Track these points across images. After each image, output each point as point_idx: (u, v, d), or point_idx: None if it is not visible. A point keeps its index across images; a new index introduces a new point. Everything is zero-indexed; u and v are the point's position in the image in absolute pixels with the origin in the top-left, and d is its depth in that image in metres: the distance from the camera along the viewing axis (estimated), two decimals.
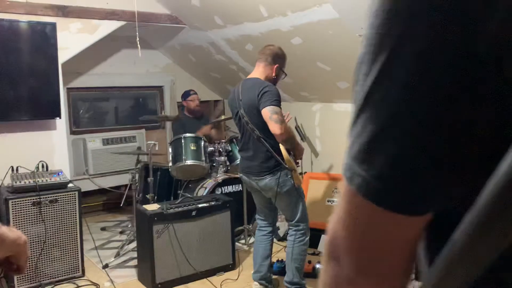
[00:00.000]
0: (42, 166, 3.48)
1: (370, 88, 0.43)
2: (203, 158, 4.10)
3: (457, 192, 0.42)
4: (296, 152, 2.88)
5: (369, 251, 0.48)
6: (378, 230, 0.47)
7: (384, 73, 0.42)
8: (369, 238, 0.48)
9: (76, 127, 5.22)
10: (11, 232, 0.95)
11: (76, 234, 3.35)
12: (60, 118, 3.74)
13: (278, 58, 2.92)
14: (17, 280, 3.10)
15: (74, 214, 3.34)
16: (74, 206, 3.34)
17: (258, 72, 2.92)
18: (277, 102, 2.73)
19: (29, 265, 3.13)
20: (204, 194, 3.93)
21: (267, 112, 2.69)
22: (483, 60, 0.37)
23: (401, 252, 0.48)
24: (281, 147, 2.76)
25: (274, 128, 2.68)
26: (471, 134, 0.40)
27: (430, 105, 0.40)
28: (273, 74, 2.90)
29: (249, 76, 2.97)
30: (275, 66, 2.90)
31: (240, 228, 4.07)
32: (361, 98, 0.44)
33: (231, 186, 4.17)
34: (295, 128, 4.61)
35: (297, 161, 2.96)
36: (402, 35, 0.40)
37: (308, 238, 2.99)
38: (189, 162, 3.99)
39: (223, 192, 4.07)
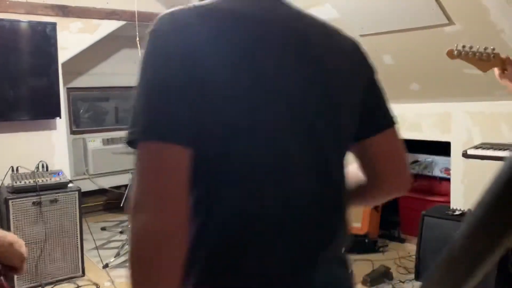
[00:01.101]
0: (42, 166, 3.49)
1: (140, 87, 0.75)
2: None
3: (194, 132, 0.72)
4: None
5: (160, 182, 0.70)
6: (161, 161, 0.70)
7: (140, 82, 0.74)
8: (158, 171, 0.70)
9: (76, 127, 5.22)
10: None
11: (76, 234, 3.35)
12: (60, 118, 3.74)
13: None
14: (17, 280, 3.10)
15: (74, 214, 3.34)
16: (74, 206, 3.34)
17: None
18: None
19: (29, 265, 3.14)
20: None
21: None
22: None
23: (183, 178, 0.71)
24: None
25: None
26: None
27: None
28: None
29: None
30: None
31: None
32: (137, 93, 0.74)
33: None
34: None
35: None
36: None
37: None
38: None
39: None
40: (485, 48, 1.64)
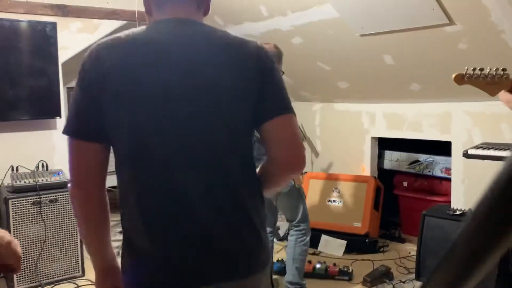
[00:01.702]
0: (42, 166, 3.48)
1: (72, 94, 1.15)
2: None
3: (103, 131, 1.11)
4: None
5: (76, 165, 1.14)
6: (76, 152, 1.13)
7: (73, 92, 1.14)
8: (74, 158, 1.13)
9: None
10: None
11: (76, 234, 3.34)
12: (60, 117, 3.74)
13: (272, 57, 2.91)
14: (17, 279, 3.10)
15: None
16: None
17: None
18: None
19: (29, 265, 3.14)
20: None
21: None
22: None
23: (91, 164, 1.13)
24: None
25: None
26: (93, 111, 1.11)
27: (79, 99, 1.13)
28: None
29: None
30: None
31: None
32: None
33: None
34: None
35: None
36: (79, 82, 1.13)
37: (309, 238, 2.99)
38: None
39: None
40: (496, 69, 1.45)
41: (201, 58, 1.11)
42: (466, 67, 1.47)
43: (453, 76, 1.48)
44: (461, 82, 1.49)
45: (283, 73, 3.02)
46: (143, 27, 1.16)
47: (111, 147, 1.15)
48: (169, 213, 1.08)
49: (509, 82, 1.48)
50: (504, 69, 1.46)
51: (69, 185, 1.17)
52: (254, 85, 1.13)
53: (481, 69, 1.46)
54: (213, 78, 1.10)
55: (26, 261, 3.15)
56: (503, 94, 1.53)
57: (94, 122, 1.09)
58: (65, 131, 1.13)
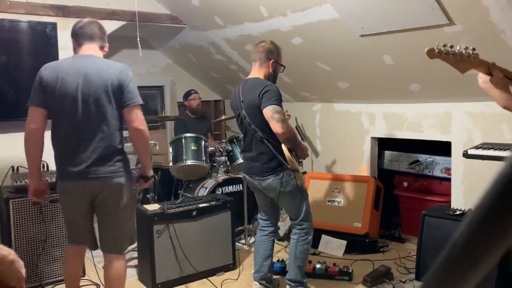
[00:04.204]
0: (43, 166, 3.47)
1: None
2: (204, 158, 4.09)
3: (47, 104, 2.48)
4: (298, 151, 2.88)
5: (29, 119, 2.45)
6: (29, 112, 2.45)
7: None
8: (28, 116, 2.45)
9: None
10: None
11: None
12: None
13: (271, 53, 2.91)
14: None
15: None
16: None
17: (256, 71, 2.92)
18: (278, 101, 2.73)
19: (29, 265, 3.14)
20: (205, 194, 3.93)
21: (269, 112, 2.69)
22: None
23: (36, 118, 2.44)
24: (283, 147, 2.76)
25: (276, 127, 2.68)
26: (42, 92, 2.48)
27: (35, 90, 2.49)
28: (270, 70, 2.90)
29: (248, 77, 2.97)
30: (270, 62, 2.89)
31: (241, 228, 4.07)
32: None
33: (231, 186, 4.17)
34: (296, 128, 4.61)
35: (300, 161, 2.95)
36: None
37: (311, 237, 2.99)
38: (189, 162, 3.99)
39: (223, 192, 4.07)
40: (466, 48, 1.51)
41: (93, 74, 2.37)
42: (437, 42, 1.51)
43: (426, 50, 1.53)
44: (432, 56, 1.54)
45: (284, 67, 3.02)
46: (70, 57, 2.50)
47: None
48: (71, 146, 2.41)
49: (477, 61, 1.52)
50: (473, 49, 1.51)
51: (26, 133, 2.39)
52: (118, 87, 2.40)
53: (452, 46, 1.50)
54: (98, 84, 2.37)
55: (27, 262, 3.15)
56: (481, 76, 1.59)
57: (41, 100, 2.39)
58: (28, 103, 2.38)
